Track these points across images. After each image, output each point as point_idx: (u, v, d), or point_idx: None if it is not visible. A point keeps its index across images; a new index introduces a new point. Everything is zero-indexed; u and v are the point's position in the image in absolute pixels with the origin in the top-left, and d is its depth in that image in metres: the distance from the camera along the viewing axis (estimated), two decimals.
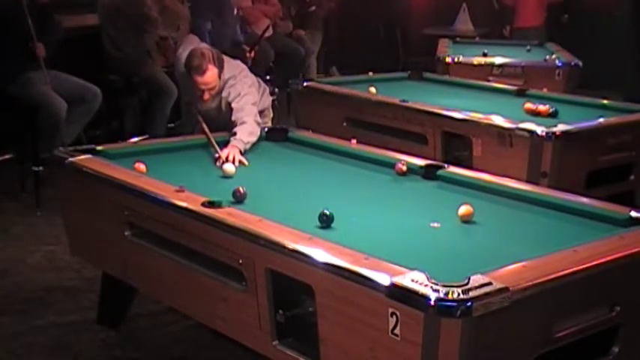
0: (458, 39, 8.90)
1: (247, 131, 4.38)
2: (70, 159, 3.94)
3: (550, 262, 2.65)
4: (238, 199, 3.39)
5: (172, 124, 7.21)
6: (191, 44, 4.90)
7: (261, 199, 3.47)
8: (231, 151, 4.16)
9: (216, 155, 4.15)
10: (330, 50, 10.86)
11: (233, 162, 4.08)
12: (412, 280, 2.44)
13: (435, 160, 4.43)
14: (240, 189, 3.41)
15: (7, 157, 6.48)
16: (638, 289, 2.87)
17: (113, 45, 6.95)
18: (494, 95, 6.09)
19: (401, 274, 2.49)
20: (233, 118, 4.49)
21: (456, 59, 7.39)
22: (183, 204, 3.29)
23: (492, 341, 2.46)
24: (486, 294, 2.37)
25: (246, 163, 4.16)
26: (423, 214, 3.34)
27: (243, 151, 4.24)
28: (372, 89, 5.86)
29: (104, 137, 6.54)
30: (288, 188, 3.76)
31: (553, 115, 5.15)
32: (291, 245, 2.81)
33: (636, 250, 2.82)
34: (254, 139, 4.41)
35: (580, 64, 7.15)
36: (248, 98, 4.60)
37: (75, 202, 4.04)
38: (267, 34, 8.19)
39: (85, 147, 4.22)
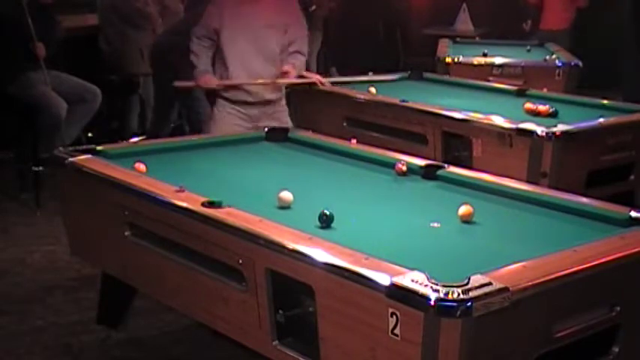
0: (458, 39, 8.90)
1: (302, 63, 5.13)
2: (70, 159, 3.93)
3: (550, 262, 2.65)
4: None
5: (173, 124, 7.21)
6: None
7: (262, 199, 3.47)
8: (291, 72, 4.95)
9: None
10: (330, 50, 10.85)
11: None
12: (412, 280, 2.44)
13: (435, 160, 4.42)
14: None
15: (7, 157, 6.49)
16: (638, 289, 2.87)
17: (105, 40, 6.96)
18: (494, 95, 6.08)
19: (401, 274, 2.48)
20: (292, 39, 5.05)
21: (456, 59, 7.38)
22: (183, 204, 3.28)
23: (492, 341, 2.45)
24: (486, 294, 2.37)
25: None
26: (423, 214, 3.33)
27: (294, 75, 4.98)
28: (372, 89, 5.85)
29: (104, 137, 6.54)
30: (288, 188, 3.75)
31: (553, 115, 5.14)
32: (291, 245, 2.80)
33: (636, 250, 2.81)
34: (297, 73, 5.09)
35: (580, 64, 7.14)
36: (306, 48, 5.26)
37: (75, 202, 4.04)
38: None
39: (85, 147, 4.21)
